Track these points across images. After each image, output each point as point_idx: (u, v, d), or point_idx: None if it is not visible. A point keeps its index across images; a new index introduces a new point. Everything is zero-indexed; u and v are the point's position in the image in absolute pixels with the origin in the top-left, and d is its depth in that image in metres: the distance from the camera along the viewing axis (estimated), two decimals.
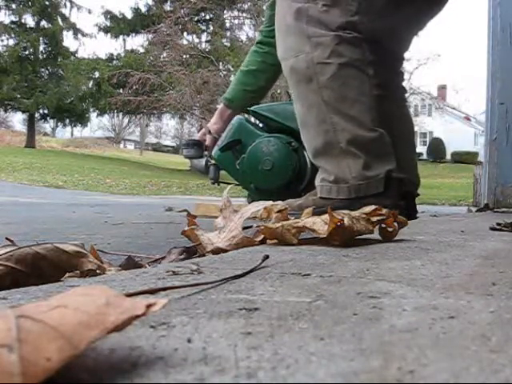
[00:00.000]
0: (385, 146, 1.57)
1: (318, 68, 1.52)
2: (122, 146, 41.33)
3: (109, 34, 21.89)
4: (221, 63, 17.88)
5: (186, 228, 0.86)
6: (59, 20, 23.59)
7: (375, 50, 1.61)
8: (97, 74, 21.09)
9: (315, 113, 1.54)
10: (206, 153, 2.30)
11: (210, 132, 2.25)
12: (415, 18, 1.73)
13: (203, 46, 19.28)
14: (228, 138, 2.15)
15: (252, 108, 2.20)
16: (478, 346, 0.28)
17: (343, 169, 1.52)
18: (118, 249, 0.99)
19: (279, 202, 0.95)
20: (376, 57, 1.61)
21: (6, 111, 25.23)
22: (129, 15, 21.76)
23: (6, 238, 0.64)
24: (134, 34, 21.74)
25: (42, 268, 0.55)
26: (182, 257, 0.78)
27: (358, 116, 1.52)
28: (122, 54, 21.46)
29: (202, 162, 2.32)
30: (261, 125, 2.23)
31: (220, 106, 2.33)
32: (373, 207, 0.86)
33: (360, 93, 1.54)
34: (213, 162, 2.23)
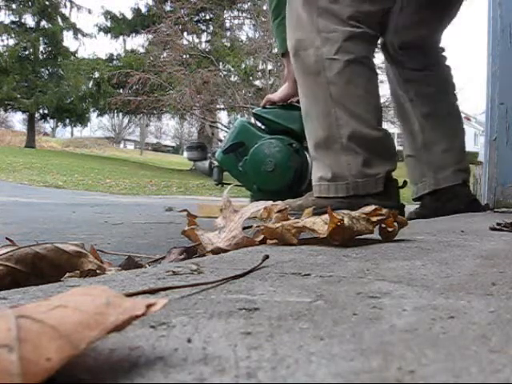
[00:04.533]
0: (388, 147, 1.57)
1: (326, 63, 1.52)
2: (122, 146, 41.31)
3: (109, 34, 21.88)
4: (221, 63, 17.85)
5: (186, 228, 0.86)
6: (59, 20, 23.56)
7: (404, 47, 1.71)
8: (97, 74, 21.05)
9: (321, 106, 1.54)
10: (209, 155, 2.33)
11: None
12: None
13: (203, 45, 19.25)
14: (231, 140, 2.16)
15: (254, 111, 2.22)
16: (478, 346, 0.28)
17: (342, 165, 1.52)
18: (118, 249, 0.99)
19: (279, 202, 0.95)
20: (405, 52, 1.70)
21: (6, 111, 25.21)
22: (129, 15, 21.75)
23: (6, 238, 0.64)
24: (134, 34, 21.71)
25: (42, 268, 0.55)
26: (182, 257, 0.78)
27: (362, 114, 1.53)
28: (122, 54, 21.44)
29: (206, 163, 2.34)
30: (263, 127, 2.24)
31: (286, 67, 2.07)
32: (373, 207, 0.86)
33: (366, 91, 1.55)
34: (216, 163, 2.25)
